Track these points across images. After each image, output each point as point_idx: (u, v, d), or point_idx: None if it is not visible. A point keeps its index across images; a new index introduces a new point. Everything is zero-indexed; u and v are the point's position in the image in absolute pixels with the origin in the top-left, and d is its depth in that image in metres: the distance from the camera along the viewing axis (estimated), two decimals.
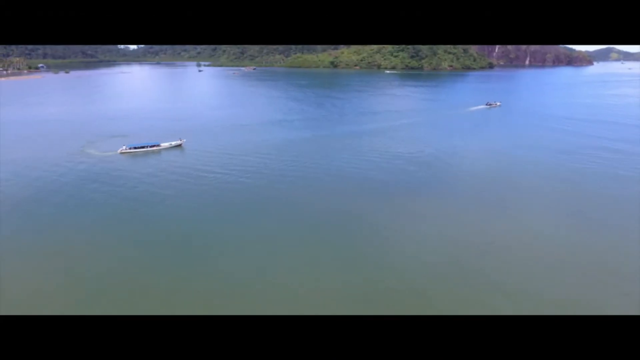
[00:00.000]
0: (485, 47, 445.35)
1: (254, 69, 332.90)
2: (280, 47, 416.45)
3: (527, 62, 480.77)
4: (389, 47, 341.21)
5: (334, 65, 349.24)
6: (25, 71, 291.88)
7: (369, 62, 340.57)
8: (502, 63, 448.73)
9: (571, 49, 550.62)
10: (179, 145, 67.99)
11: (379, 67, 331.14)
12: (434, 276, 29.99)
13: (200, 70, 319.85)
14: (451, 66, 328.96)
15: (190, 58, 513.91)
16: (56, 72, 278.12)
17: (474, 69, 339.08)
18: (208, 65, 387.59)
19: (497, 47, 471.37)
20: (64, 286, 28.77)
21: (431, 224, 38.81)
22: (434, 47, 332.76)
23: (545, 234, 36.62)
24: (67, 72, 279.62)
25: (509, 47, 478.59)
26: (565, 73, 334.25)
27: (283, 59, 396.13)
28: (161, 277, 29.73)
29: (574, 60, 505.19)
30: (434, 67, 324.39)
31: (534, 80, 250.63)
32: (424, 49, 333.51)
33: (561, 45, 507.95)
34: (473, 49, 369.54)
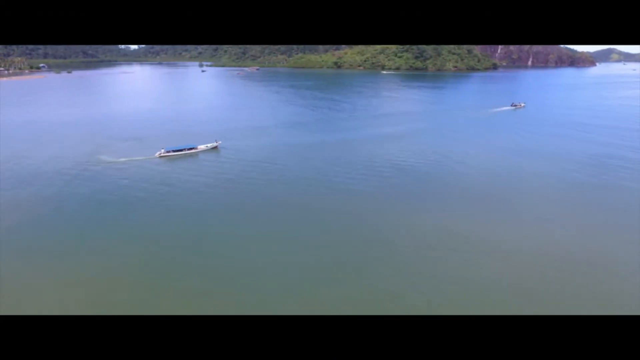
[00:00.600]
0: (488, 47, 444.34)
1: (257, 69, 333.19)
2: (282, 47, 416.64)
3: (529, 62, 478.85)
4: (393, 48, 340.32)
5: (337, 65, 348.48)
6: (27, 71, 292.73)
7: (372, 63, 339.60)
8: (504, 64, 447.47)
9: (573, 50, 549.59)
10: (215, 148, 67.26)
11: (383, 67, 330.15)
12: (434, 276, 29.97)
13: (203, 71, 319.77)
14: (456, 67, 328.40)
15: (192, 58, 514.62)
16: (58, 72, 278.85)
17: (479, 69, 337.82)
18: (210, 66, 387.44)
19: (499, 47, 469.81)
20: (64, 286, 28.84)
21: (428, 218, 38.81)
22: (439, 47, 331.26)
23: (545, 235, 36.53)
24: (69, 72, 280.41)
25: (512, 47, 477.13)
26: (570, 74, 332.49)
27: (286, 59, 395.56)
28: (162, 277, 29.77)
29: (576, 61, 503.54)
30: (438, 68, 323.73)
31: (542, 81, 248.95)
32: (429, 49, 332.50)
33: (563, 46, 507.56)
34: (477, 49, 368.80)
